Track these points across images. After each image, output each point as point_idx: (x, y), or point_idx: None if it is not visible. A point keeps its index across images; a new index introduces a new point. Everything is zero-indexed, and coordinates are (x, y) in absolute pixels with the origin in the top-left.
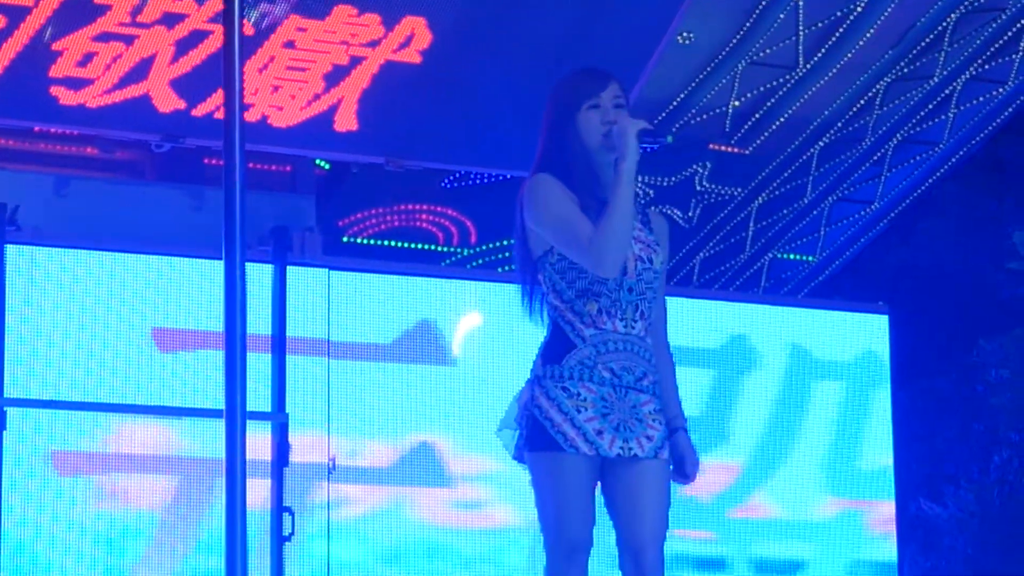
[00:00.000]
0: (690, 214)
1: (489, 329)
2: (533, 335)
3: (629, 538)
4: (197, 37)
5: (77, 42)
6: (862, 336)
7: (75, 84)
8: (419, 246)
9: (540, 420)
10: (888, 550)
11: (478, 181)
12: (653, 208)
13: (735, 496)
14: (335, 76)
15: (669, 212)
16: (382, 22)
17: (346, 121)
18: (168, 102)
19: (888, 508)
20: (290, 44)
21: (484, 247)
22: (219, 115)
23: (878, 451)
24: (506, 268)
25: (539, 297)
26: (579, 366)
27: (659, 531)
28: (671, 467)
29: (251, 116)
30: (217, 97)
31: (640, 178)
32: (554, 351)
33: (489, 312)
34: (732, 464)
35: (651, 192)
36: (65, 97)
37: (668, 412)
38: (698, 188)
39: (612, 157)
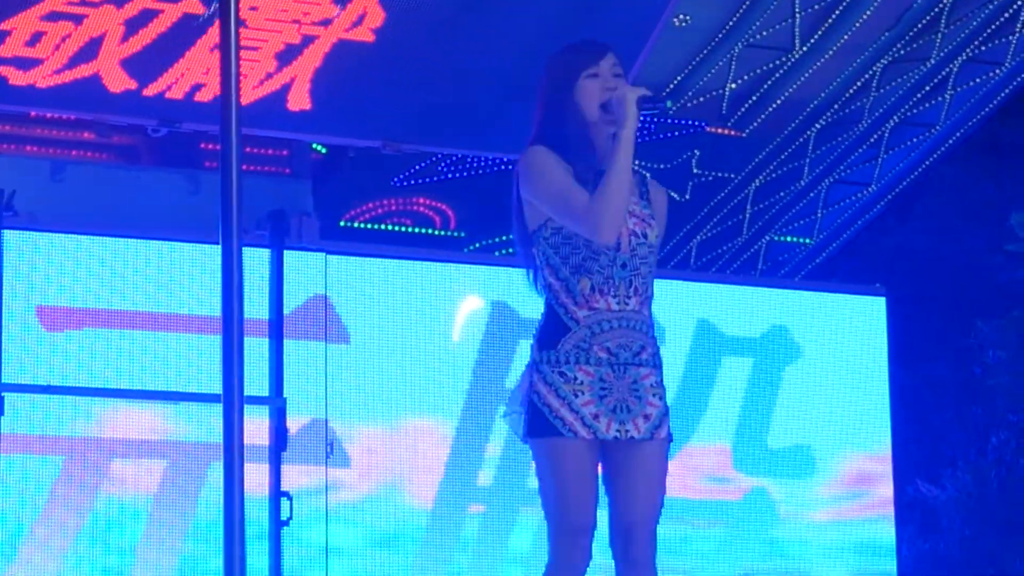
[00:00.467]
0: (687, 197)
1: (489, 313)
2: (535, 319)
3: (620, 517)
4: (147, 16)
5: (25, 22)
6: (859, 318)
7: (24, 64)
8: (417, 230)
9: (539, 406)
10: (886, 532)
11: (475, 166)
12: (653, 180)
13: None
14: (287, 55)
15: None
16: (334, 0)
17: (299, 100)
18: (119, 82)
19: (886, 491)
20: (241, 23)
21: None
22: (171, 95)
23: (876, 432)
24: (504, 252)
25: (538, 274)
26: (575, 350)
27: (650, 512)
28: (671, 442)
29: (203, 96)
30: (168, 76)
31: (636, 161)
32: (548, 336)
33: (489, 296)
34: (721, 446)
35: (647, 175)
36: (15, 77)
37: None
38: (695, 171)
39: (611, 129)
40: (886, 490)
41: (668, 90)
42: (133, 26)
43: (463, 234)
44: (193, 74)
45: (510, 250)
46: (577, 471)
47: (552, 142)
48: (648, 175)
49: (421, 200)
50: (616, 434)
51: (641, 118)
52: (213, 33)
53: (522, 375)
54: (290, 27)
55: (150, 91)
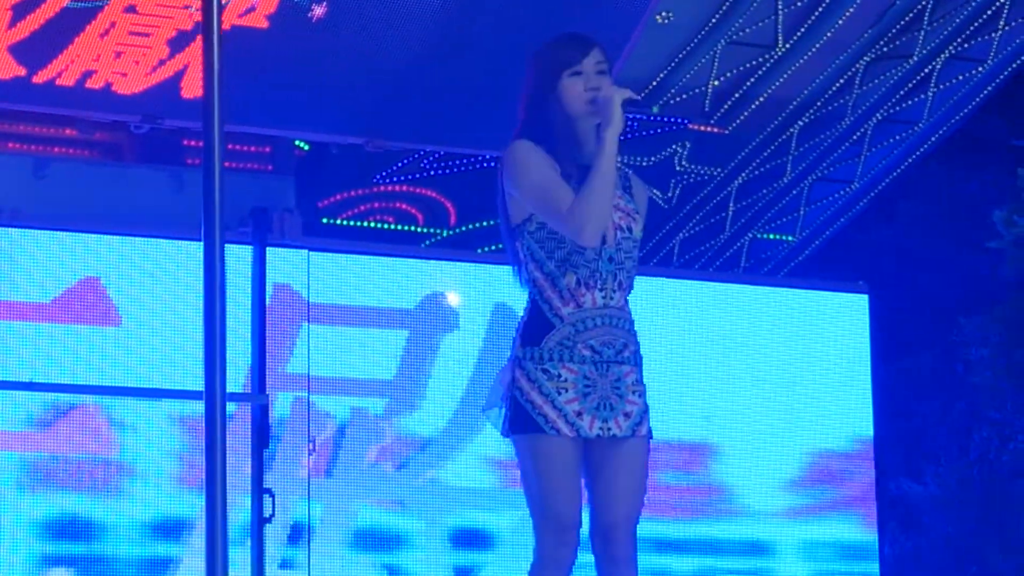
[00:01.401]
0: (670, 194)
1: (468, 309)
2: (514, 314)
3: (601, 515)
4: (34, 2)
5: None
6: (842, 315)
7: None
8: (399, 227)
9: (521, 402)
10: (867, 529)
11: (459, 162)
12: (635, 176)
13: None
14: (179, 41)
15: (649, 193)
16: None
17: (193, 87)
18: (7, 68)
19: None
20: (131, 8)
21: (464, 228)
22: (61, 81)
23: (859, 430)
24: (486, 249)
25: (522, 268)
26: (558, 347)
27: (632, 510)
28: (651, 440)
29: (94, 83)
30: (58, 63)
31: (620, 158)
32: (532, 332)
33: (469, 292)
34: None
35: (630, 172)
36: None
37: None
38: (678, 168)
39: (594, 123)
40: (868, 488)
41: (651, 87)
42: (20, 11)
43: (446, 232)
44: (83, 61)
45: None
46: (561, 468)
47: (536, 137)
48: (631, 171)
49: (404, 197)
50: (599, 432)
51: (630, 117)
52: (103, 19)
53: (502, 369)
54: (181, 13)
55: (40, 78)
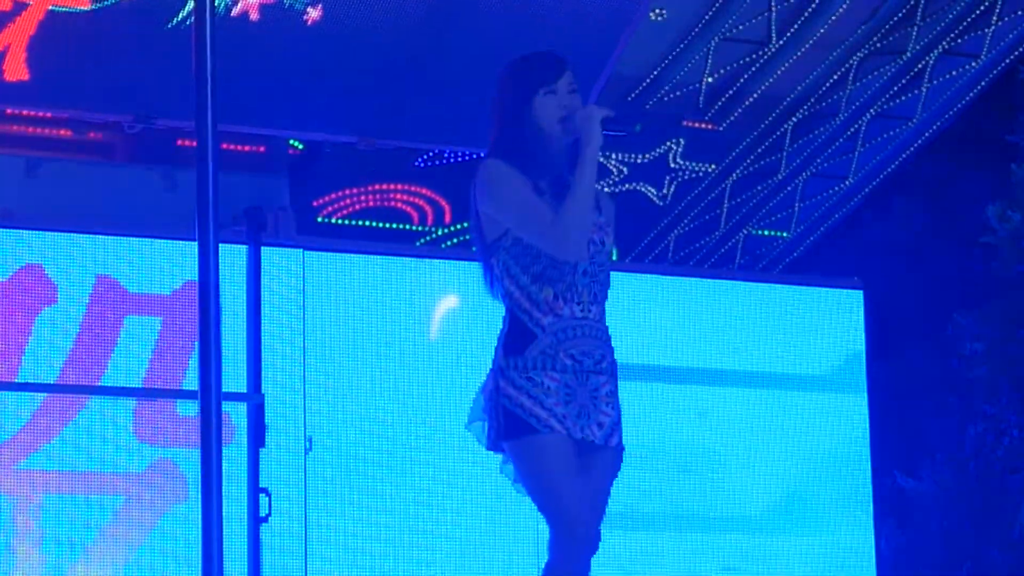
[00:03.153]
0: (664, 191)
1: (466, 309)
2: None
3: None
4: None
5: None
6: (837, 312)
7: None
8: (394, 226)
9: (511, 408)
10: (863, 524)
11: (453, 160)
12: (602, 189)
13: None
14: None
15: (643, 189)
16: None
17: (16, 71)
18: None
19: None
20: None
21: (459, 226)
22: None
23: (853, 425)
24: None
25: (497, 283)
26: (541, 356)
27: (596, 516)
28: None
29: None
30: None
31: (614, 155)
32: (514, 342)
33: (465, 291)
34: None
35: (625, 169)
36: None
37: None
38: (672, 165)
39: (567, 140)
40: (863, 483)
41: (645, 84)
42: None
43: (441, 231)
44: None
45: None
46: (561, 464)
47: (509, 156)
48: (603, 186)
49: (399, 196)
50: (582, 436)
51: (609, 135)
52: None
53: (483, 383)
54: None
55: None
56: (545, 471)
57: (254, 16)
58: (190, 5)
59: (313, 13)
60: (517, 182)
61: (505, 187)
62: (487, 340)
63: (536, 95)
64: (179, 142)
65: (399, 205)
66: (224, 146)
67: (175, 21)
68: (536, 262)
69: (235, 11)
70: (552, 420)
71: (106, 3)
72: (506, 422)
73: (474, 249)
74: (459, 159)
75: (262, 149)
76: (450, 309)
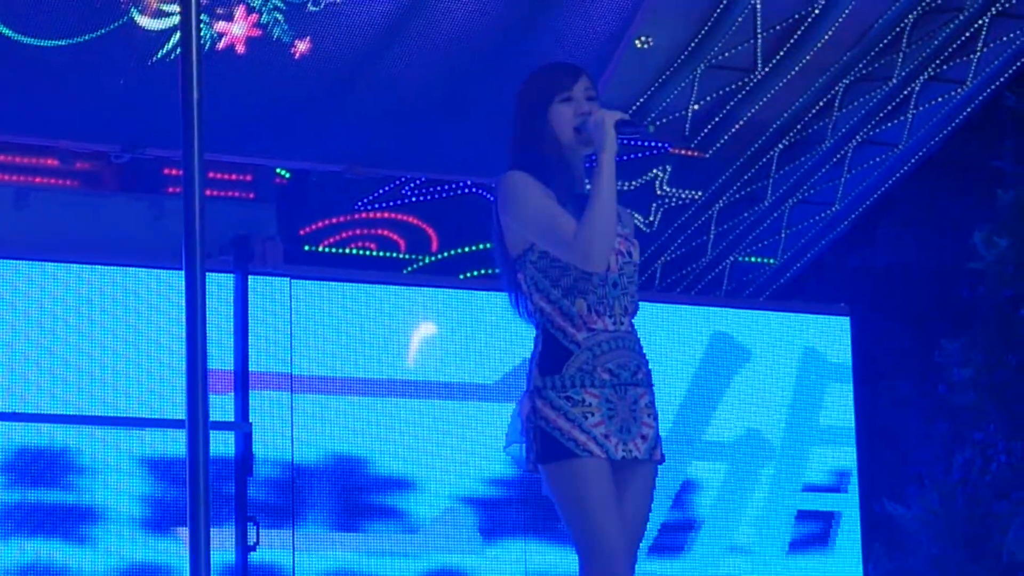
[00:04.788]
0: (651, 219)
1: (447, 337)
2: (489, 344)
3: None
4: None
5: None
6: (824, 338)
7: None
8: (381, 254)
9: (548, 431)
10: (851, 550)
11: (440, 190)
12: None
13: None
14: None
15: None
16: None
17: None
18: None
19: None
20: None
21: (445, 254)
22: None
23: (842, 452)
24: (469, 275)
25: (524, 299)
26: (579, 372)
27: (637, 534)
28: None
29: None
30: None
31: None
32: (550, 361)
33: (449, 320)
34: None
35: None
36: None
37: None
38: (658, 192)
39: (586, 151)
40: (851, 509)
41: (631, 111)
42: None
43: (427, 259)
44: None
45: (473, 273)
46: (600, 492)
47: (529, 165)
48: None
49: (385, 224)
50: (623, 454)
51: (623, 141)
52: None
53: (518, 403)
54: None
55: None
56: (583, 497)
57: (240, 49)
58: (174, 40)
59: (301, 46)
60: (537, 192)
61: (526, 199)
62: (470, 367)
63: (552, 104)
64: (166, 171)
65: (386, 233)
66: (211, 175)
67: (159, 55)
68: (566, 274)
69: (221, 44)
70: (591, 444)
71: (85, 38)
72: (543, 445)
73: (475, 273)
74: (447, 188)
75: (249, 178)
76: (427, 337)
